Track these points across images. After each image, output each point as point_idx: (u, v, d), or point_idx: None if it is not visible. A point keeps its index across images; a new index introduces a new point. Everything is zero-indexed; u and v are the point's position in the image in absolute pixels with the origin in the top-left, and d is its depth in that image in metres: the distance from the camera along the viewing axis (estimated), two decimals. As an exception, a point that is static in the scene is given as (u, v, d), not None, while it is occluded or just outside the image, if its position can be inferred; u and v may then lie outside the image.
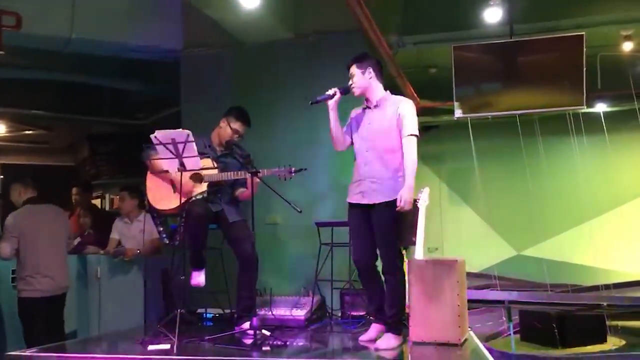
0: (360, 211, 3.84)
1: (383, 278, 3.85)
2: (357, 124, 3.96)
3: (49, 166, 9.68)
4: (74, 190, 6.58)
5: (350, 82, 3.90)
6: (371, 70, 3.87)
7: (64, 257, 5.13)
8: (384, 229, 3.77)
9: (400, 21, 6.59)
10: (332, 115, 3.88)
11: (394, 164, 3.79)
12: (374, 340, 3.81)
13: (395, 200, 3.67)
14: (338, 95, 3.85)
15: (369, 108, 3.93)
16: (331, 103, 3.85)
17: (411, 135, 3.78)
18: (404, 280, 3.86)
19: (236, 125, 4.58)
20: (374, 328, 3.92)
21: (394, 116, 3.81)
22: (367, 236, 3.84)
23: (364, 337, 3.92)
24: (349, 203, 3.93)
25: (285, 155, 5.01)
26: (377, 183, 3.78)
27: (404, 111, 3.81)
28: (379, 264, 3.92)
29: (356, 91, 3.89)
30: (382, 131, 3.82)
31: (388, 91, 3.98)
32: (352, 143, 3.97)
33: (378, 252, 3.86)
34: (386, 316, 3.82)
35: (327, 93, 3.87)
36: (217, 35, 5.86)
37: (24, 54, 6.30)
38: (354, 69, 3.88)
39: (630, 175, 9.84)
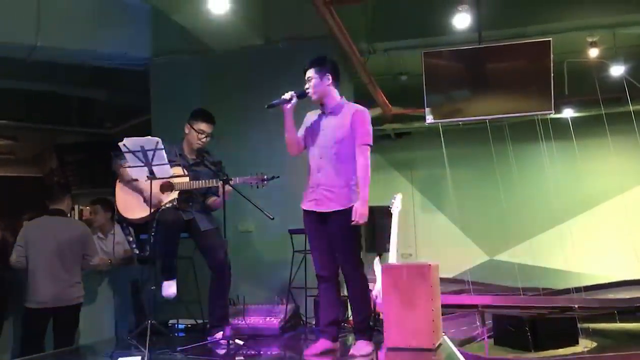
0: (315, 218, 3.78)
1: (346, 285, 3.78)
2: (312, 129, 3.87)
3: (15, 177, 9.46)
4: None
5: (306, 86, 3.81)
6: (329, 75, 3.81)
7: (69, 270, 4.69)
8: (341, 237, 3.70)
9: (371, 28, 6.60)
10: (288, 120, 3.78)
11: (347, 173, 3.73)
12: (318, 355, 3.68)
13: (350, 209, 3.63)
14: (295, 99, 3.75)
15: (324, 114, 3.86)
16: (287, 107, 3.76)
17: (365, 144, 3.73)
18: (367, 285, 3.83)
19: (200, 126, 4.52)
20: (322, 343, 3.74)
21: (349, 124, 3.74)
22: (326, 244, 3.77)
23: (309, 351, 3.76)
24: (303, 210, 3.85)
25: (257, 162, 5.01)
26: (331, 191, 3.72)
27: (358, 119, 3.75)
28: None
29: (314, 96, 3.81)
30: (336, 139, 3.75)
31: (344, 97, 3.93)
32: (305, 147, 3.91)
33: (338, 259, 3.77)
34: (355, 322, 3.80)
35: (284, 97, 3.76)
36: (186, 42, 5.81)
37: (-14, 63, 6.15)
38: (312, 73, 3.80)
39: (599, 179, 9.99)
